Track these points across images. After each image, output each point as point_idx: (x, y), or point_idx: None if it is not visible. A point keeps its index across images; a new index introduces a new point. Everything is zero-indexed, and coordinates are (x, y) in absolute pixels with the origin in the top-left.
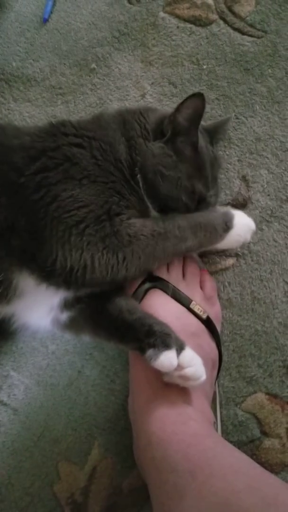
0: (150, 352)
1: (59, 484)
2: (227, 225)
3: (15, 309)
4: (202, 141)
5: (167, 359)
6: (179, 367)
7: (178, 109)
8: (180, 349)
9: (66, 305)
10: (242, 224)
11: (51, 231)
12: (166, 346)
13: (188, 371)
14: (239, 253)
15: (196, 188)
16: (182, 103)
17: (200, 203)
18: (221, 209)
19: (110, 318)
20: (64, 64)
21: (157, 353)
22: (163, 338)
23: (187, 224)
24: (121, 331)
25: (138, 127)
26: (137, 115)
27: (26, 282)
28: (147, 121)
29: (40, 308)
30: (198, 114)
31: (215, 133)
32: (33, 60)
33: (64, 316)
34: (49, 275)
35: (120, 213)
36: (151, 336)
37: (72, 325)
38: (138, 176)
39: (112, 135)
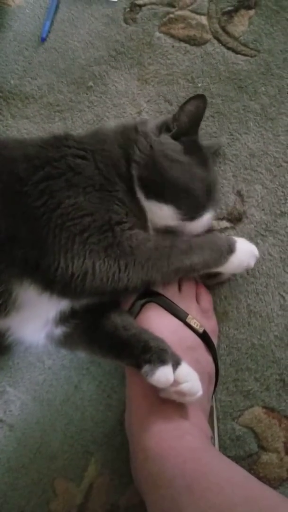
0: (146, 367)
1: (55, 502)
2: (231, 248)
3: (12, 322)
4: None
5: (163, 374)
6: (175, 382)
7: (181, 108)
8: (176, 364)
9: (61, 319)
10: (245, 248)
11: (54, 239)
12: (162, 362)
13: (184, 386)
14: None
15: (206, 179)
16: (185, 103)
17: (210, 194)
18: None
19: (106, 334)
20: (62, 82)
21: (153, 368)
22: (159, 354)
23: (193, 241)
24: (116, 348)
25: (136, 133)
26: (136, 125)
27: (26, 293)
28: (146, 126)
29: (35, 322)
30: (200, 114)
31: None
32: (31, 78)
33: (59, 331)
34: (50, 283)
35: (121, 222)
36: (147, 352)
37: (66, 341)
38: (134, 172)
39: (109, 148)
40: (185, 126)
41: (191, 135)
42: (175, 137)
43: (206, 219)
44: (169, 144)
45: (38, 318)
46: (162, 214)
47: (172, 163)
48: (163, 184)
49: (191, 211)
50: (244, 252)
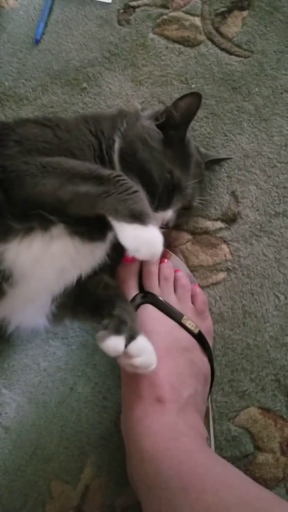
0: (100, 333)
1: (51, 504)
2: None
3: (6, 310)
4: (192, 143)
5: (112, 344)
6: (128, 355)
7: (175, 103)
8: (131, 338)
9: (57, 299)
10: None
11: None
12: (116, 332)
13: (135, 360)
14: (230, 268)
15: (174, 173)
16: (180, 99)
17: (175, 190)
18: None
19: (87, 292)
20: (56, 83)
21: (106, 336)
22: (116, 323)
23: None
24: (92, 306)
25: (129, 113)
26: (136, 109)
27: (16, 250)
28: (143, 112)
29: (34, 304)
30: (192, 112)
31: (211, 162)
32: (25, 79)
33: (53, 307)
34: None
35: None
36: (108, 317)
37: (58, 312)
38: (116, 145)
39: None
40: (175, 121)
41: (180, 131)
42: (161, 128)
43: (162, 214)
44: (149, 130)
45: (36, 300)
46: None
47: (144, 147)
48: (132, 164)
49: (151, 201)
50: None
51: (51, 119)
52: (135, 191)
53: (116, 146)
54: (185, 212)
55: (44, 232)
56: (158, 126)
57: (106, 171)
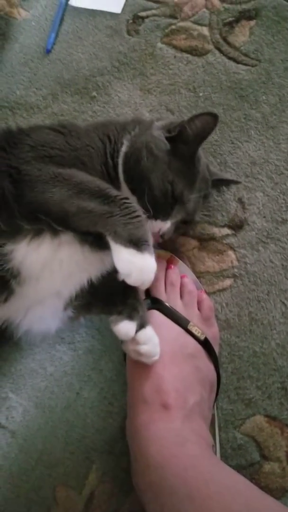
0: (113, 317)
1: (56, 509)
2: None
3: (15, 309)
4: (202, 160)
5: (125, 328)
6: (136, 341)
7: (191, 119)
8: (141, 326)
9: (71, 303)
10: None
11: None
12: (129, 317)
13: (142, 347)
14: (237, 274)
15: (175, 185)
16: (196, 116)
17: (176, 203)
18: None
19: (102, 285)
20: (66, 92)
21: (118, 320)
22: (130, 310)
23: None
24: (106, 296)
25: (141, 121)
26: (151, 119)
27: (24, 251)
28: (155, 121)
29: (47, 313)
30: (206, 132)
31: (219, 182)
32: (36, 88)
33: (68, 312)
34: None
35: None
36: (122, 305)
37: (77, 313)
38: (123, 149)
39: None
40: (188, 137)
41: (191, 147)
42: (172, 140)
43: (160, 223)
44: (157, 139)
45: (47, 303)
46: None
47: (149, 155)
48: (134, 170)
49: (148, 208)
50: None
51: (65, 126)
52: (138, 216)
53: (123, 149)
54: (184, 226)
55: (53, 237)
56: (169, 138)
57: (114, 192)
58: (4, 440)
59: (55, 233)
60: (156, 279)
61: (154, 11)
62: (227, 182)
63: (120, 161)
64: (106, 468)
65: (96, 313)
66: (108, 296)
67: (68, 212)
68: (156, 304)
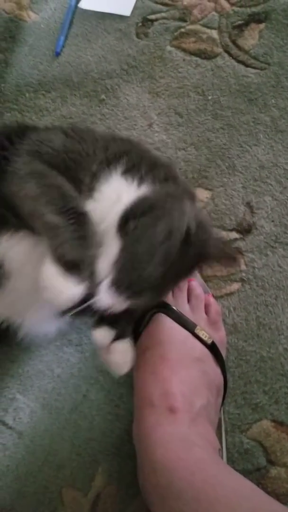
0: (95, 320)
1: (62, 511)
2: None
3: (8, 305)
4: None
5: (101, 334)
6: (108, 350)
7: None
8: (121, 336)
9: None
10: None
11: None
12: (110, 325)
13: (111, 357)
14: (244, 278)
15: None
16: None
17: (142, 294)
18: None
19: None
20: (75, 95)
21: (99, 325)
22: (113, 321)
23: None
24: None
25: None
26: None
27: (5, 245)
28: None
29: (41, 309)
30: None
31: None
32: (45, 91)
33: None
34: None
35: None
36: (109, 318)
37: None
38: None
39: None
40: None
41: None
42: None
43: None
44: (183, 227)
45: (42, 302)
46: (108, 247)
47: (169, 235)
48: (140, 226)
49: (119, 277)
50: None
51: (76, 130)
52: (84, 237)
53: (138, 192)
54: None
55: (32, 232)
56: None
57: (74, 204)
58: (11, 441)
59: (33, 228)
60: None
61: (163, 14)
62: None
63: (127, 197)
64: (113, 471)
65: (89, 316)
66: None
67: (26, 211)
68: (163, 307)
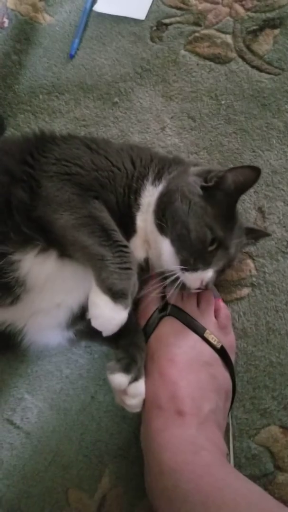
0: (112, 364)
1: (68, 511)
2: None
3: (25, 325)
4: (237, 209)
5: (118, 380)
6: (125, 391)
7: (230, 171)
8: (135, 378)
9: (73, 323)
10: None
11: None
12: (126, 370)
13: (128, 400)
14: (255, 283)
15: (215, 229)
16: (237, 168)
17: (219, 248)
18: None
19: None
20: (88, 97)
21: (115, 369)
22: (128, 361)
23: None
24: (114, 337)
25: (178, 164)
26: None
27: (31, 263)
28: (192, 167)
29: (49, 328)
30: (247, 185)
31: (251, 234)
32: (59, 93)
33: (70, 333)
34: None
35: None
36: (123, 352)
37: (78, 338)
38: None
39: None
40: (227, 188)
41: (230, 196)
42: (206, 188)
43: (202, 273)
44: (190, 185)
45: (50, 321)
46: (163, 249)
47: (183, 198)
48: (167, 210)
49: (188, 258)
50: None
51: (98, 142)
52: (128, 268)
53: (159, 188)
54: (223, 272)
55: (60, 255)
56: (205, 186)
57: (116, 236)
58: (18, 440)
59: (62, 252)
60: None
61: (178, 18)
62: (258, 234)
63: (157, 195)
64: (119, 473)
65: (99, 343)
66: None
67: (67, 240)
68: (173, 310)
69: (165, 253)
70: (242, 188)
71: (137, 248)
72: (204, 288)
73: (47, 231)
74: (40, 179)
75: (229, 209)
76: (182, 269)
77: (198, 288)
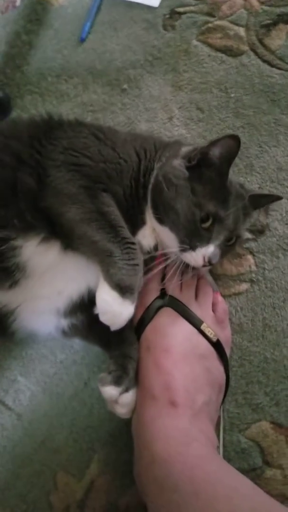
0: (103, 376)
1: (55, 494)
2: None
3: (22, 297)
4: (234, 181)
5: (109, 392)
6: (116, 401)
7: (209, 146)
8: (126, 389)
9: (71, 311)
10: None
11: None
12: (117, 383)
13: (118, 408)
14: (254, 279)
15: (205, 206)
16: (215, 141)
17: (215, 222)
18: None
19: (101, 327)
20: (97, 82)
21: (106, 382)
22: (120, 373)
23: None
24: (103, 338)
25: (166, 149)
26: (175, 141)
27: (33, 254)
28: (180, 148)
29: (46, 309)
30: (231, 155)
31: (258, 200)
32: (67, 76)
33: (66, 322)
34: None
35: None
36: (115, 363)
37: (70, 332)
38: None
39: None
40: (213, 162)
41: (218, 170)
42: (195, 167)
43: (202, 250)
44: (175, 169)
45: (48, 306)
46: (165, 237)
47: (169, 185)
48: (160, 201)
49: (186, 239)
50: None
51: (105, 132)
52: (135, 264)
53: (153, 175)
54: (232, 246)
55: (63, 247)
56: (191, 166)
57: (124, 233)
58: (9, 422)
59: (66, 245)
60: (173, 277)
61: (191, 8)
62: (268, 198)
63: (150, 187)
64: (108, 460)
65: (92, 343)
66: (105, 333)
67: (74, 234)
68: (171, 301)
69: (167, 240)
70: (227, 159)
71: (147, 237)
72: (209, 265)
73: (54, 223)
74: (47, 167)
75: (219, 182)
76: (181, 250)
77: (204, 265)
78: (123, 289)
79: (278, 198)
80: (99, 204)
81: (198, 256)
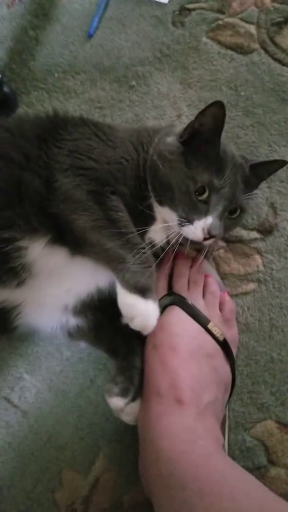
0: (109, 386)
1: (60, 491)
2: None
3: (27, 295)
4: (230, 150)
5: (115, 403)
6: (121, 410)
7: (196, 118)
8: (132, 399)
9: (80, 311)
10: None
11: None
12: (122, 395)
13: (124, 416)
14: (261, 279)
15: (198, 177)
16: (201, 112)
17: (212, 193)
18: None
19: (111, 333)
20: (105, 79)
21: (113, 393)
22: (126, 385)
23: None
24: (109, 345)
25: (158, 132)
26: (167, 126)
27: (40, 254)
28: (173, 129)
29: (52, 305)
30: (219, 122)
31: (262, 170)
32: (75, 72)
33: (74, 322)
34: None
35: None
36: (121, 375)
37: (76, 334)
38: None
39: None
40: (202, 135)
41: (211, 141)
42: (189, 140)
43: (200, 222)
44: (169, 145)
45: (55, 301)
46: (166, 215)
47: (164, 162)
48: (155, 180)
49: (183, 214)
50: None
51: (105, 131)
52: (148, 266)
53: (149, 158)
54: (236, 219)
55: (71, 253)
56: (184, 140)
57: (135, 239)
58: (15, 419)
59: (74, 251)
60: (180, 276)
61: (201, 4)
62: (272, 165)
63: (148, 171)
64: (113, 457)
65: (99, 349)
66: (111, 339)
67: (86, 241)
68: (178, 300)
69: (169, 219)
70: (216, 127)
71: (158, 233)
72: (210, 237)
73: (63, 230)
74: (54, 170)
75: (212, 153)
76: (180, 225)
77: (205, 239)
78: (142, 290)
79: (283, 163)
80: (108, 210)
81: (197, 229)
